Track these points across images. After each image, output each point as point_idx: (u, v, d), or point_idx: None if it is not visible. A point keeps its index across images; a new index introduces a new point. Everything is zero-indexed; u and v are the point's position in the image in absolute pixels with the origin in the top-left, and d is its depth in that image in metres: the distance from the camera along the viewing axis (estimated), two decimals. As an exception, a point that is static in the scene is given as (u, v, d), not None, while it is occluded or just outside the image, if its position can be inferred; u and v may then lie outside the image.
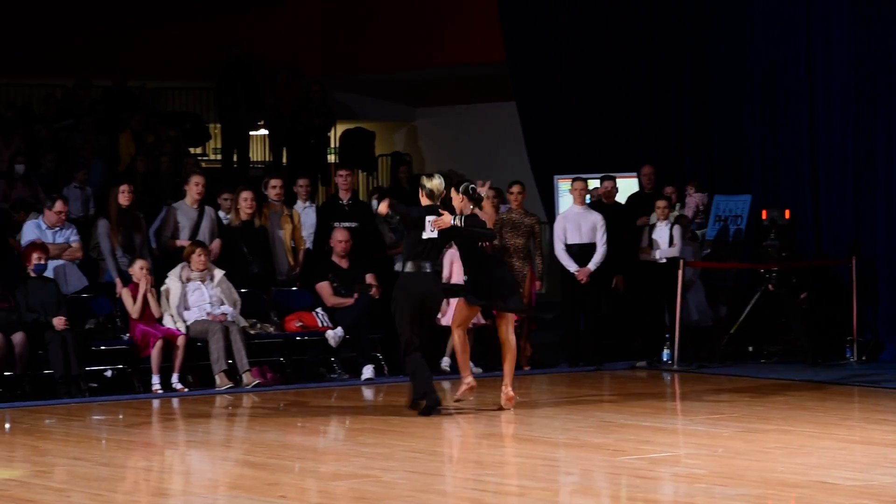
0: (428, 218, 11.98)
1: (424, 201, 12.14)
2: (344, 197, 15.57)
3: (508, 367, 12.43)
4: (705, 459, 9.79)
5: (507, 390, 12.35)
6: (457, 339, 12.49)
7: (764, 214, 16.00)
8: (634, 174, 16.89)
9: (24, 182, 16.90)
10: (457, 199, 12.21)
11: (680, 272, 15.41)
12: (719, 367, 15.43)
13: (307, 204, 15.85)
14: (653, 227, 15.87)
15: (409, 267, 11.99)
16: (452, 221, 11.96)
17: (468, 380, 12.49)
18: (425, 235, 11.96)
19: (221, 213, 15.30)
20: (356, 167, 22.28)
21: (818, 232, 16.68)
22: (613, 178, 16.23)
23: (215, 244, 14.69)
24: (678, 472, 9.40)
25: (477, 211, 12.31)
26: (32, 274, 13.66)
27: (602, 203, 15.99)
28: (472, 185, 12.28)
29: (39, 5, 20.82)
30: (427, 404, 11.95)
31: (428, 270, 11.98)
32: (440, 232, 11.98)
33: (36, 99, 20.68)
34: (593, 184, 16.20)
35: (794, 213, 16.13)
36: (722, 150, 17.45)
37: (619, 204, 16.34)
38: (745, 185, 16.98)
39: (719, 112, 17.44)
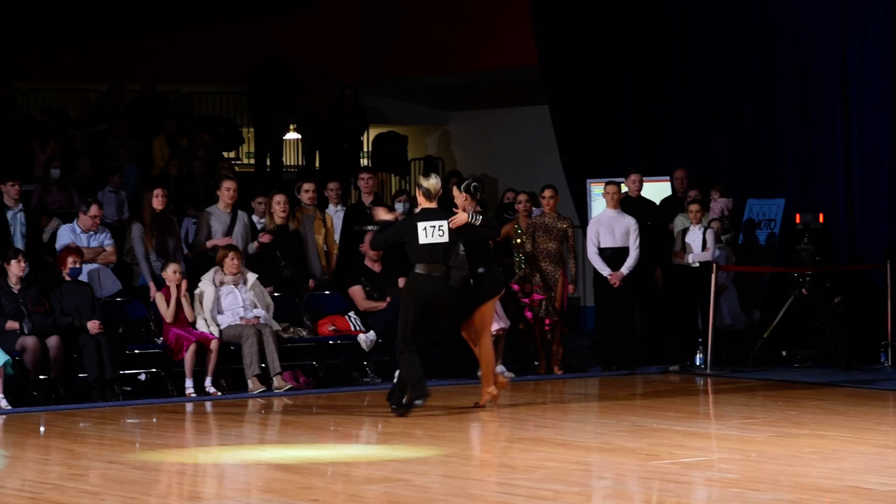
0: (422, 225, 11.93)
1: (422, 201, 12.17)
2: (367, 200, 15.56)
3: (489, 366, 12.51)
4: (738, 464, 9.76)
5: (492, 388, 12.46)
6: (485, 347, 12.49)
7: (798, 218, 15.93)
8: (667, 178, 16.85)
9: (58, 186, 16.98)
10: (460, 198, 12.27)
11: (713, 276, 15.37)
12: (753, 372, 15.37)
13: (338, 207, 15.86)
14: (686, 230, 15.83)
15: (419, 268, 12.01)
16: (469, 219, 11.96)
17: (491, 388, 12.47)
18: (423, 241, 11.93)
19: (255, 217, 15.33)
20: (389, 171, 22.34)
21: (852, 236, 16.61)
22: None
23: (254, 244, 14.73)
24: (711, 477, 9.38)
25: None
26: (67, 278, 13.73)
27: (630, 198, 15.94)
28: (475, 183, 12.33)
29: (74, 10, 20.92)
30: (412, 396, 11.89)
31: (436, 274, 11.97)
32: (452, 231, 11.96)
33: (71, 103, 20.79)
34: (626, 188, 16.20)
35: (828, 217, 16.04)
36: (755, 153, 17.39)
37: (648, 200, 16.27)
38: (779, 188, 16.92)
39: (753, 115, 17.39)
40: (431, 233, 11.99)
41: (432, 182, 12.17)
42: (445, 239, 12.02)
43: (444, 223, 12.04)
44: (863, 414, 12.19)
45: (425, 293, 11.90)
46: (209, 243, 14.69)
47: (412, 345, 11.95)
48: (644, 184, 16.15)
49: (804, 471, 9.38)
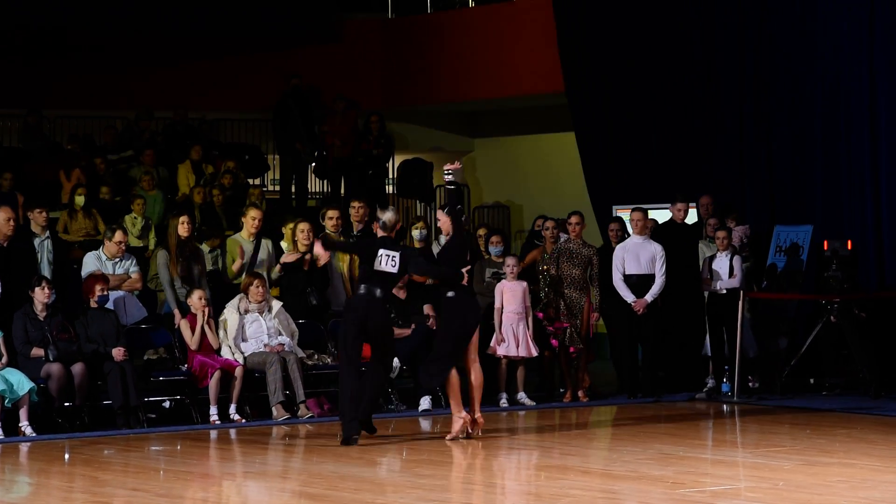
0: (382, 252, 12.27)
1: (379, 233, 12.48)
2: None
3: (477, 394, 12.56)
4: (766, 493, 9.68)
5: (478, 416, 12.51)
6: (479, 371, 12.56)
7: (826, 245, 15.84)
8: (693, 204, 16.77)
9: (84, 213, 17.02)
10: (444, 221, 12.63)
11: (740, 303, 15.29)
12: (780, 399, 15.28)
13: (361, 228, 15.74)
14: (713, 258, 15.76)
15: (360, 289, 12.33)
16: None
17: (462, 414, 12.45)
18: (378, 267, 12.30)
19: (283, 244, 15.28)
20: (414, 197, 22.33)
21: (881, 263, 16.48)
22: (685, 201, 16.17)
23: (276, 267, 14.76)
24: (738, 506, 9.30)
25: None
26: (95, 305, 13.73)
27: (675, 223, 15.91)
28: (458, 206, 12.56)
29: (101, 39, 21.02)
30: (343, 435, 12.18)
31: (378, 295, 12.28)
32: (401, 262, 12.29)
33: (97, 131, 20.87)
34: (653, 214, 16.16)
35: (856, 244, 15.96)
36: (783, 179, 17.31)
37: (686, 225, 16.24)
38: (807, 215, 16.83)
39: (780, 141, 17.31)
40: (384, 264, 12.32)
41: (389, 215, 12.54)
42: (395, 270, 12.38)
43: (398, 255, 12.38)
44: (892, 442, 12.09)
45: (360, 312, 12.23)
46: (235, 266, 14.70)
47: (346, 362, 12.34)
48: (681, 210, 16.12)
49: (833, 500, 9.29)
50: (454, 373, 12.46)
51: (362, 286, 12.34)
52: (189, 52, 21.56)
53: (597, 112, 18.96)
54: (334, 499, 9.72)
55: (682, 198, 15.99)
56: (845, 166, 16.76)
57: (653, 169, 18.30)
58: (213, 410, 13.73)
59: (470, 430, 12.47)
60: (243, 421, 13.77)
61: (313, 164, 21.36)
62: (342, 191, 21.02)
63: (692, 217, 16.62)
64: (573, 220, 15.45)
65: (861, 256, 16.22)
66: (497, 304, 14.80)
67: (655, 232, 15.78)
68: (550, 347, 15.34)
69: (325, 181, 21.86)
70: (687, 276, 15.64)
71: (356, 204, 15.51)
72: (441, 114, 23.00)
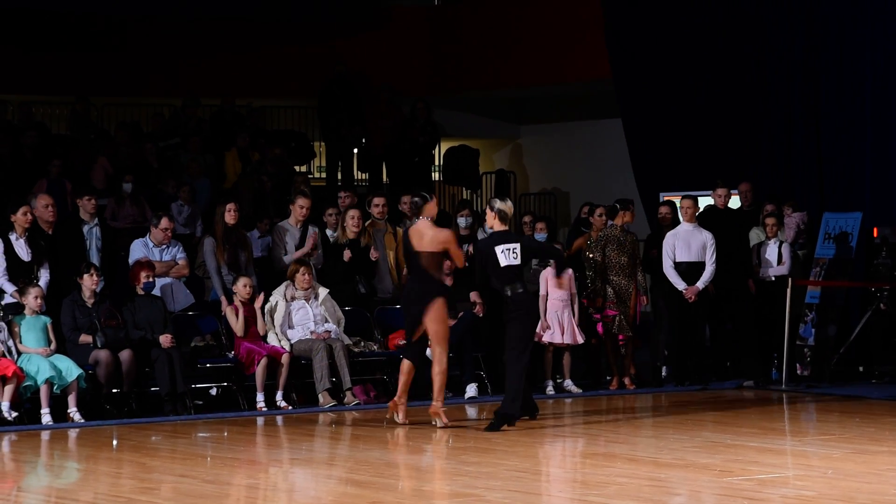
0: (500, 247, 12.15)
1: (497, 224, 12.32)
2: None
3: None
4: (815, 481, 9.62)
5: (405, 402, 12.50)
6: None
7: (875, 232, 15.71)
8: (735, 191, 16.65)
9: (131, 200, 17.09)
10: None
11: (788, 290, 15.20)
12: (829, 387, 15.18)
13: (413, 221, 15.70)
14: (761, 245, 15.66)
15: (506, 291, 12.25)
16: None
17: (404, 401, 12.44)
18: (504, 263, 12.18)
19: (328, 231, 15.29)
20: (460, 184, 22.31)
21: (932, 249, 16.34)
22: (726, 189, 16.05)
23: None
24: (787, 494, 9.24)
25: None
26: (141, 292, 13.79)
27: (717, 209, 15.80)
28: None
29: (147, 27, 21.10)
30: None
31: (520, 290, 12.21)
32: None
33: (145, 118, 20.96)
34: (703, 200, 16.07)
35: (906, 231, 15.84)
36: (832, 166, 17.18)
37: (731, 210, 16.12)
38: (856, 202, 16.69)
39: (829, 127, 17.17)
40: (507, 255, 12.21)
41: (509, 204, 12.38)
42: (518, 261, 12.28)
43: (518, 245, 12.25)
44: (942, 431, 11.99)
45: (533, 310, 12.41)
46: (288, 259, 14.72)
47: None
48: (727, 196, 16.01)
49: (882, 488, 9.22)
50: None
51: (507, 288, 12.21)
52: (236, 39, 21.60)
53: (644, 99, 18.87)
54: (381, 486, 9.73)
55: (722, 183, 15.86)
56: (894, 152, 16.61)
57: (700, 156, 18.20)
58: (260, 397, 13.76)
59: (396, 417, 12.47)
60: (290, 408, 13.80)
61: (357, 151, 21.37)
62: (384, 178, 21.00)
63: (734, 203, 16.52)
64: (626, 214, 15.30)
65: (912, 243, 16.08)
66: (542, 292, 14.77)
67: (700, 217, 15.67)
68: (596, 334, 15.30)
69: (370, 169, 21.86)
70: (733, 262, 15.52)
71: (378, 201, 15.40)
72: (487, 101, 22.96)
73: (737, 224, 15.85)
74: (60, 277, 13.79)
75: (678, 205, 15.59)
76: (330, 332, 14.18)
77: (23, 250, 13.68)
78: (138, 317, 13.67)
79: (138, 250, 14.39)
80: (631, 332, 15.16)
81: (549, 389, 14.89)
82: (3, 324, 13.11)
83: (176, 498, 9.38)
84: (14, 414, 12.76)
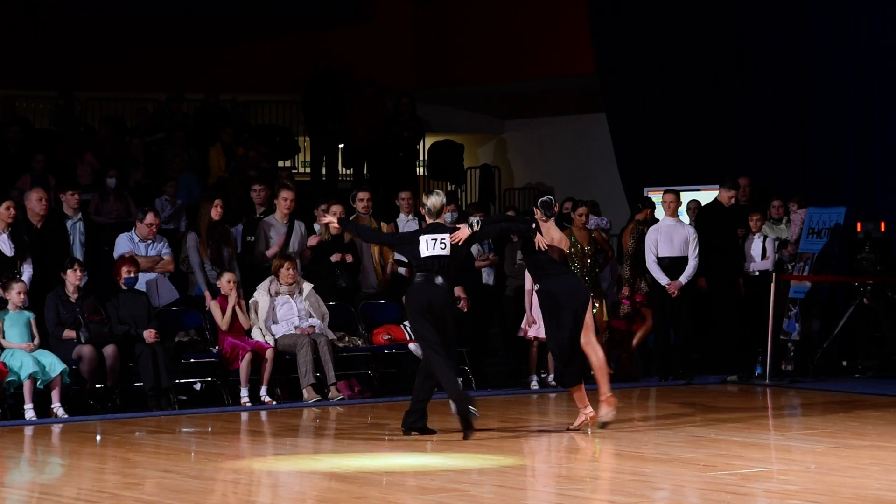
0: (426, 237, 11.62)
1: (427, 220, 11.83)
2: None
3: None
4: (798, 475, 9.64)
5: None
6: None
7: (859, 227, 15.75)
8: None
9: (115, 195, 17.06)
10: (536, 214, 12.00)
11: (772, 285, 15.22)
12: (812, 382, 15.21)
13: (409, 217, 15.65)
14: (744, 238, 15.69)
15: (418, 278, 11.68)
16: (469, 230, 11.70)
17: (588, 411, 11.94)
18: (426, 253, 11.61)
19: (316, 226, 15.24)
20: (445, 179, 22.29)
21: (915, 244, 16.39)
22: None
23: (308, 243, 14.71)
24: (770, 489, 9.26)
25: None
26: (123, 287, 13.77)
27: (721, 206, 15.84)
28: (543, 199, 12.02)
29: (131, 21, 21.05)
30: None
31: (439, 282, 11.57)
32: (459, 245, 11.68)
33: (128, 113, 20.91)
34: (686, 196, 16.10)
35: (889, 226, 15.86)
36: (816, 161, 17.22)
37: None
38: (839, 197, 16.73)
39: (814, 123, 17.21)
40: (433, 245, 11.69)
41: (433, 200, 11.83)
42: (447, 252, 11.68)
43: (447, 237, 11.69)
44: (925, 425, 12.02)
45: (426, 298, 11.57)
46: (269, 253, 14.68)
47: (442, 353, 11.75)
48: (704, 192, 16.03)
49: (865, 483, 9.24)
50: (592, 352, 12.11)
51: (418, 275, 11.67)
52: (220, 33, 21.56)
53: (628, 93, 18.89)
54: (365, 480, 9.73)
55: (731, 184, 15.66)
56: (879, 148, 16.66)
57: (684, 150, 18.24)
58: (244, 392, 13.75)
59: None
60: (274, 403, 13.79)
61: (342, 146, 21.35)
62: (365, 173, 20.96)
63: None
64: (668, 197, 15.31)
65: (894, 238, 16.12)
66: (528, 287, 14.76)
67: (700, 214, 15.70)
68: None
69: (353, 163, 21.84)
70: (724, 258, 15.53)
71: (363, 196, 15.30)
72: (472, 96, 22.95)
73: (732, 220, 15.84)
74: (45, 272, 13.75)
75: (661, 199, 15.63)
76: (314, 327, 14.18)
77: (6, 245, 13.64)
78: (122, 312, 13.65)
79: (123, 245, 14.36)
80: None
81: (534, 385, 14.90)
82: (-14, 319, 13.09)
83: (160, 493, 9.37)
84: (-3, 409, 12.74)
